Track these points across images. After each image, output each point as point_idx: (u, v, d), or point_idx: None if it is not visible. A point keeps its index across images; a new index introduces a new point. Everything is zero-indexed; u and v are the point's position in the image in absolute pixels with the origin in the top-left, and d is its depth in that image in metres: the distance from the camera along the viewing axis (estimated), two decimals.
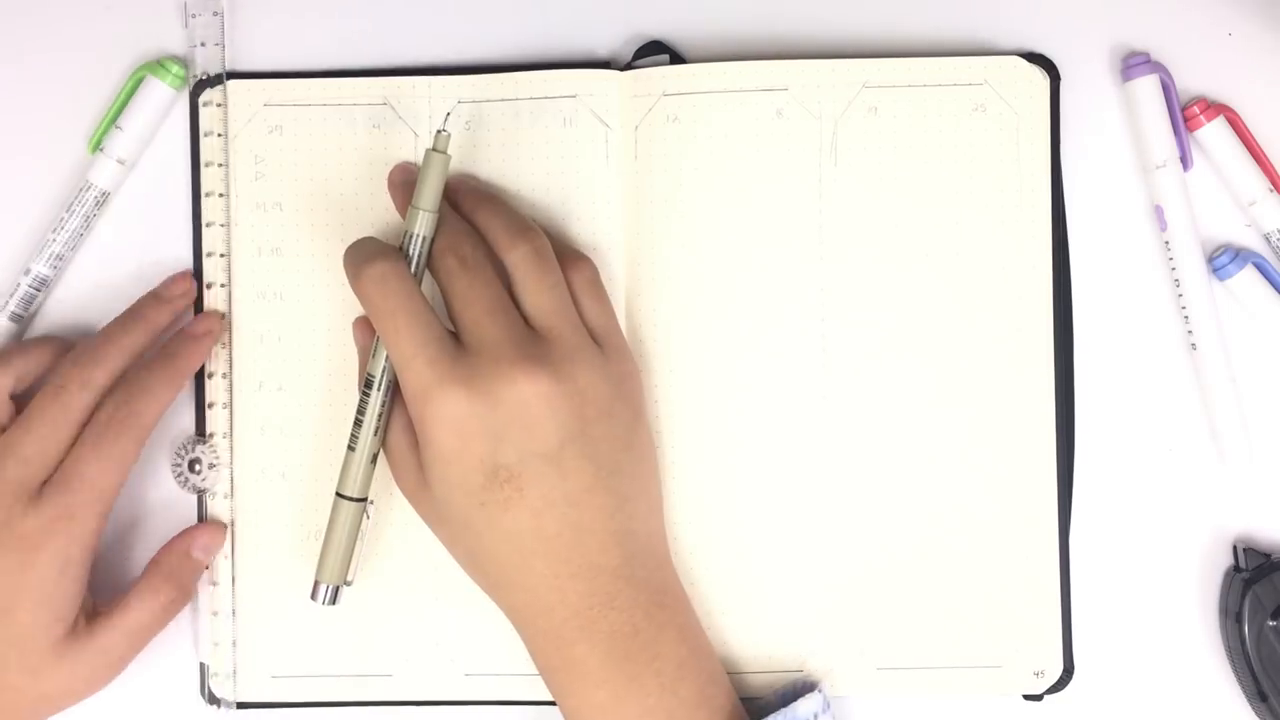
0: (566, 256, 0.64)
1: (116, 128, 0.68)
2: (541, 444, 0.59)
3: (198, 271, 0.68)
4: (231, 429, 0.68)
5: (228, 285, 0.68)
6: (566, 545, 0.60)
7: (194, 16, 0.68)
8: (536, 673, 0.64)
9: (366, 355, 0.64)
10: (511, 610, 0.62)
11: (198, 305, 0.68)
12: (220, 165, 0.68)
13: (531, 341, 0.60)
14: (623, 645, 0.61)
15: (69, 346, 0.66)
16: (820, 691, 0.64)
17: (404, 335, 0.60)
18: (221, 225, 0.68)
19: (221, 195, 0.68)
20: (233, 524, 0.68)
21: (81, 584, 0.62)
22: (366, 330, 0.65)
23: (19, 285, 0.68)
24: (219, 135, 0.68)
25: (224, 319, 0.68)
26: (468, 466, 0.59)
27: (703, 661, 0.63)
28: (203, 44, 0.68)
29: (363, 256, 0.61)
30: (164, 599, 0.65)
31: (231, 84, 0.68)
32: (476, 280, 0.61)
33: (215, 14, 0.68)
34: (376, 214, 0.68)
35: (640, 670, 0.61)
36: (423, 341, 0.59)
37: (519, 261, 0.62)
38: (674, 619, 0.63)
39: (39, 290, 0.68)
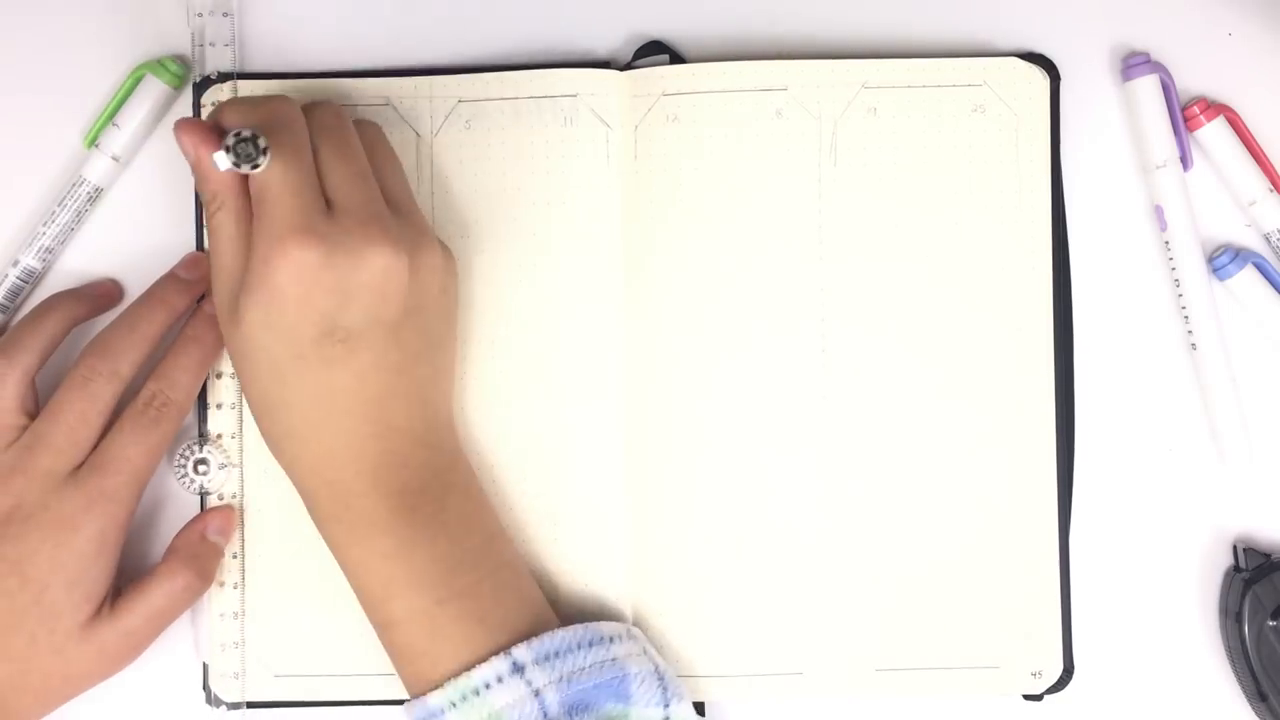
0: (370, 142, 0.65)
1: (113, 125, 0.68)
2: (388, 312, 0.60)
3: None
4: (241, 429, 0.68)
5: None
6: (378, 408, 0.61)
7: (198, 16, 0.68)
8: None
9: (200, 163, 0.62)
10: (294, 460, 0.62)
11: (200, 301, 0.68)
12: None
13: (391, 216, 0.61)
14: (411, 499, 0.62)
15: (77, 305, 0.66)
16: (628, 630, 0.65)
17: (279, 174, 0.59)
18: None
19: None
20: (241, 524, 0.68)
21: (113, 565, 0.63)
22: (198, 134, 0.61)
23: (6, 276, 0.68)
24: None
25: None
26: (301, 317, 0.59)
27: (488, 519, 0.65)
28: (211, 44, 0.68)
29: (266, 100, 0.62)
30: (182, 582, 0.65)
31: (234, 84, 0.68)
32: (348, 146, 0.62)
33: (226, 14, 0.68)
34: None
35: (428, 520, 0.62)
36: (296, 187, 0.59)
37: (369, 143, 0.64)
38: (462, 481, 0.64)
39: (26, 282, 0.68)
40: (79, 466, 0.62)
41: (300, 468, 0.62)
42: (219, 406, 0.68)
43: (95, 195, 0.68)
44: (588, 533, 0.67)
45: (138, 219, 0.69)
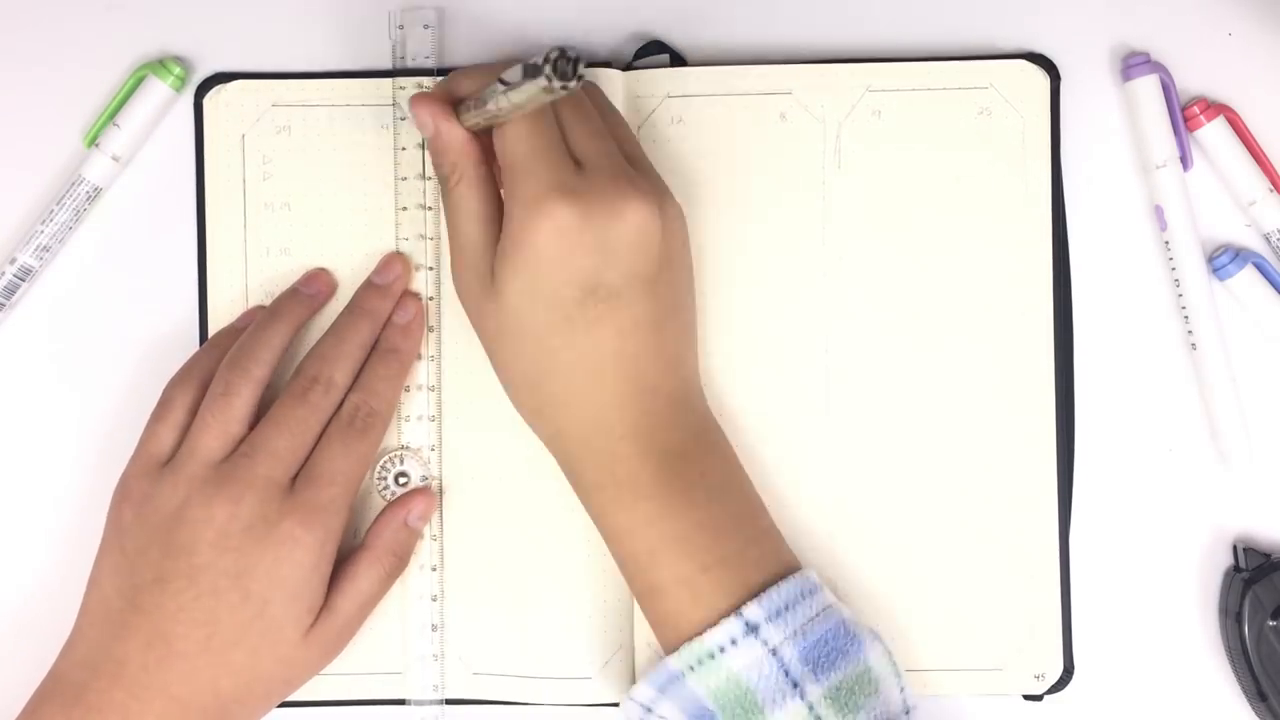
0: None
1: (114, 125, 0.68)
2: (645, 267, 0.60)
3: (201, 270, 0.68)
4: (440, 441, 0.68)
5: (436, 269, 0.68)
6: (639, 366, 0.61)
7: (399, 28, 0.68)
8: (542, 675, 0.64)
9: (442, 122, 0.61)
10: (561, 430, 0.62)
11: (201, 302, 0.68)
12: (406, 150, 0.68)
13: (633, 171, 0.61)
14: (673, 463, 0.61)
15: (300, 308, 0.67)
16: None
17: (527, 137, 0.58)
18: (430, 208, 0.68)
19: (429, 178, 0.68)
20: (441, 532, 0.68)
21: (328, 577, 0.63)
22: (435, 105, 0.61)
23: (3, 274, 0.68)
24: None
25: (424, 301, 0.68)
26: (565, 279, 0.59)
27: (745, 482, 0.64)
28: (414, 58, 0.68)
29: (494, 66, 0.61)
30: (386, 567, 0.65)
31: (239, 84, 0.68)
32: (583, 105, 0.62)
33: (426, 27, 0.68)
34: (385, 214, 0.68)
35: (689, 485, 0.61)
36: (545, 147, 0.59)
37: (596, 103, 0.63)
38: (717, 443, 0.64)
39: (23, 280, 0.68)
40: (293, 479, 0.63)
41: (566, 437, 0.62)
42: (418, 419, 0.68)
43: (94, 195, 0.68)
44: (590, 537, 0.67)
45: (137, 219, 0.69)
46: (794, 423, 0.67)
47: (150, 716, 0.60)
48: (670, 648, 0.61)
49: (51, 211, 0.68)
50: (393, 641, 0.68)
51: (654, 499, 0.61)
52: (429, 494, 0.67)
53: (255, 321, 0.66)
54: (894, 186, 0.67)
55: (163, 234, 0.69)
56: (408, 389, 0.68)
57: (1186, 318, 0.68)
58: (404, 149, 0.68)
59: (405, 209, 0.68)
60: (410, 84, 0.67)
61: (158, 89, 0.68)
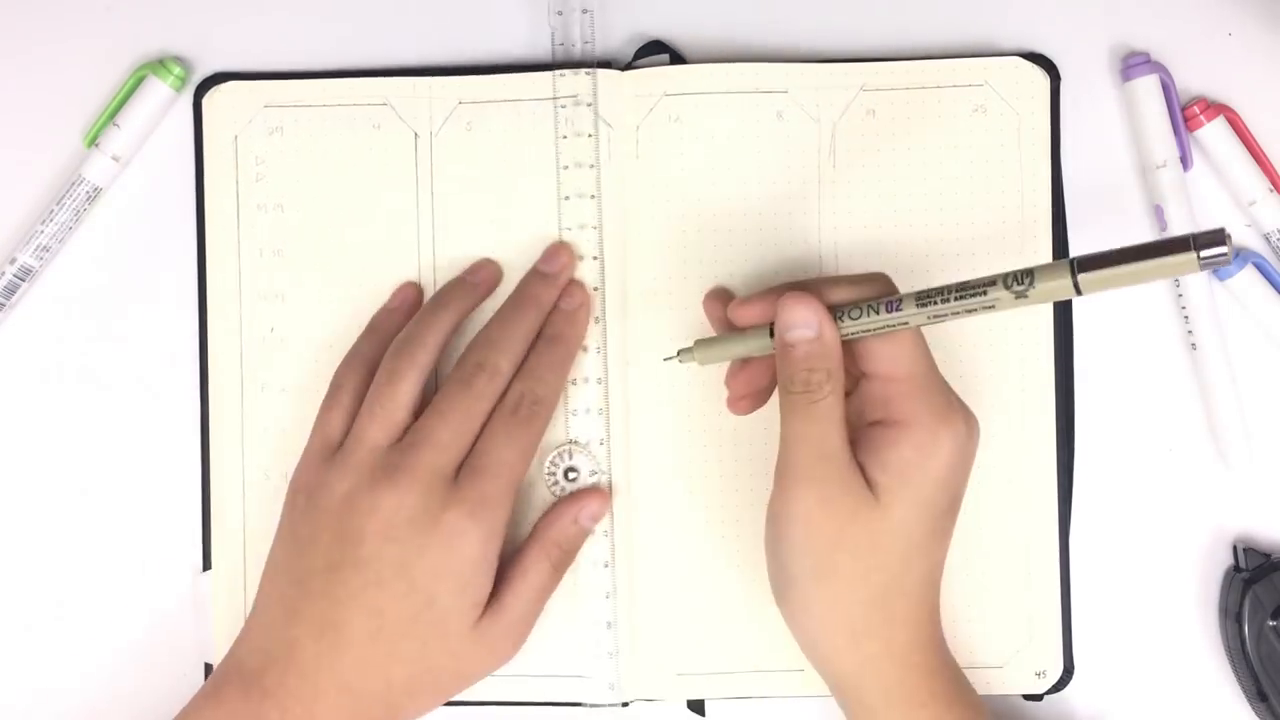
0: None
1: (114, 125, 0.68)
2: (963, 490, 0.61)
3: (200, 271, 0.68)
4: (608, 434, 0.68)
5: (600, 258, 0.68)
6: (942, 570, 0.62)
7: (558, 14, 0.68)
8: (541, 673, 0.65)
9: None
10: (889, 657, 0.61)
11: (200, 302, 0.68)
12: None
13: None
14: (951, 661, 0.63)
15: (467, 297, 0.67)
16: None
17: (926, 349, 0.60)
18: (592, 197, 0.67)
19: (592, 167, 0.67)
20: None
21: (494, 568, 0.63)
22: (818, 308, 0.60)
23: (3, 274, 0.68)
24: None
25: (590, 291, 0.67)
26: (946, 492, 0.59)
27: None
28: (571, 43, 0.68)
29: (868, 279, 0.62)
30: (554, 561, 0.65)
31: (231, 85, 0.68)
32: None
33: (585, 11, 0.68)
34: (377, 215, 0.68)
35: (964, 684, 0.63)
36: (932, 358, 0.60)
37: None
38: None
39: (23, 279, 0.68)
40: (458, 468, 0.62)
41: (886, 662, 0.61)
42: (585, 412, 0.68)
43: (94, 195, 0.68)
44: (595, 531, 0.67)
45: (136, 219, 0.69)
46: None
47: (324, 703, 0.60)
48: None
49: (51, 211, 0.68)
50: (565, 642, 0.68)
51: (958, 702, 0.61)
52: (603, 495, 0.67)
53: (424, 307, 0.66)
54: (889, 185, 0.67)
55: (162, 234, 0.69)
56: (574, 382, 0.67)
57: (1186, 318, 0.68)
58: (565, 137, 0.67)
59: (568, 198, 0.67)
60: (570, 74, 0.67)
61: (158, 89, 0.68)
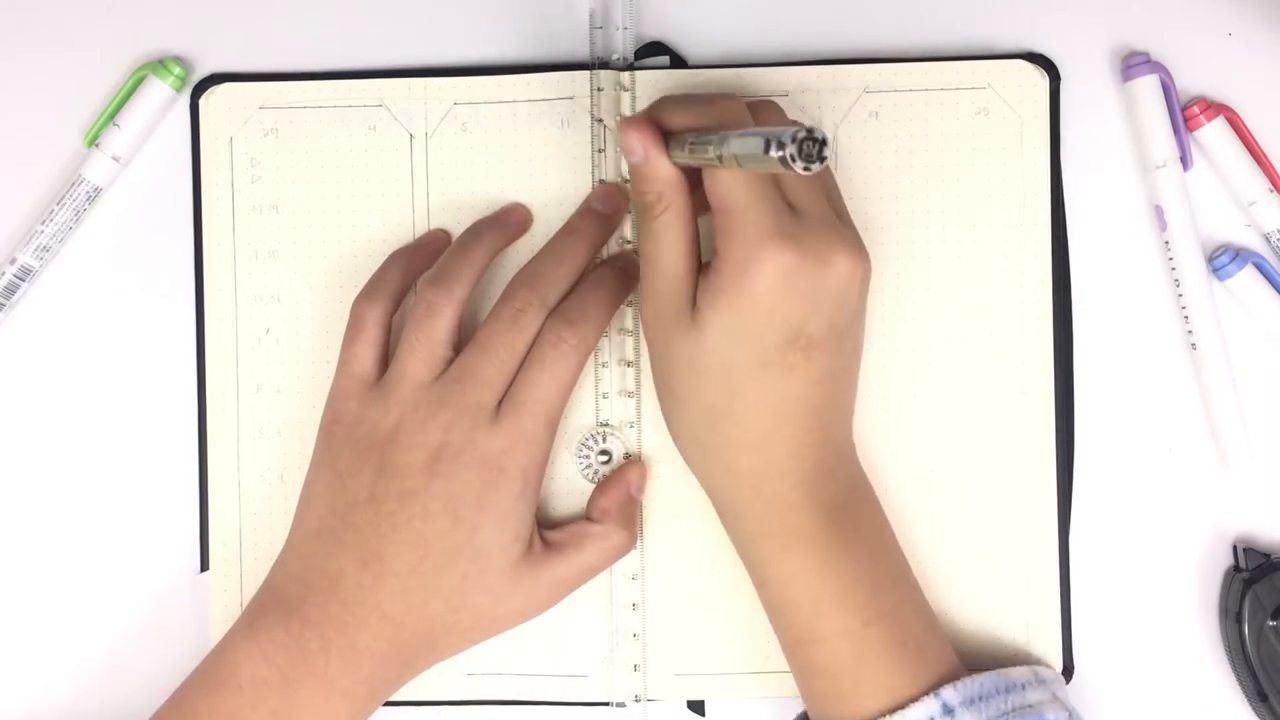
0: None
1: (114, 125, 0.68)
2: (843, 319, 0.59)
3: (198, 272, 0.68)
4: (639, 417, 0.68)
5: (634, 243, 0.67)
6: (818, 416, 0.60)
7: (599, 29, 0.68)
8: (539, 673, 0.65)
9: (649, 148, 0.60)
10: (732, 474, 0.61)
11: (199, 304, 0.68)
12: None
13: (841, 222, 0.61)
14: (837, 514, 0.61)
15: (500, 233, 0.67)
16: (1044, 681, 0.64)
17: (747, 181, 0.58)
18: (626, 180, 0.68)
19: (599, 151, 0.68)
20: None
21: (535, 505, 0.63)
22: (647, 133, 0.60)
23: (3, 273, 0.68)
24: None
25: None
26: (772, 323, 0.58)
27: (893, 539, 0.64)
28: (603, 26, 0.68)
29: (713, 99, 0.61)
30: (616, 541, 0.65)
31: (227, 86, 0.68)
32: None
33: (625, 28, 0.68)
34: (373, 216, 0.68)
35: (852, 536, 0.61)
36: (765, 193, 0.58)
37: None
38: (871, 499, 0.64)
39: (23, 280, 0.68)
40: (499, 404, 0.62)
41: (735, 480, 0.61)
42: (618, 394, 0.68)
43: (94, 195, 0.68)
44: None
45: (136, 219, 0.69)
46: None
47: (365, 632, 0.61)
48: (826, 705, 0.61)
49: (51, 211, 0.68)
50: (581, 643, 0.69)
51: (820, 550, 0.60)
52: (642, 464, 0.68)
53: (456, 241, 0.66)
54: (891, 187, 0.67)
55: (162, 234, 0.69)
56: (605, 365, 0.68)
57: (1186, 318, 0.68)
58: (600, 120, 0.67)
59: (603, 180, 0.68)
60: (604, 78, 0.67)
61: (158, 89, 0.68)
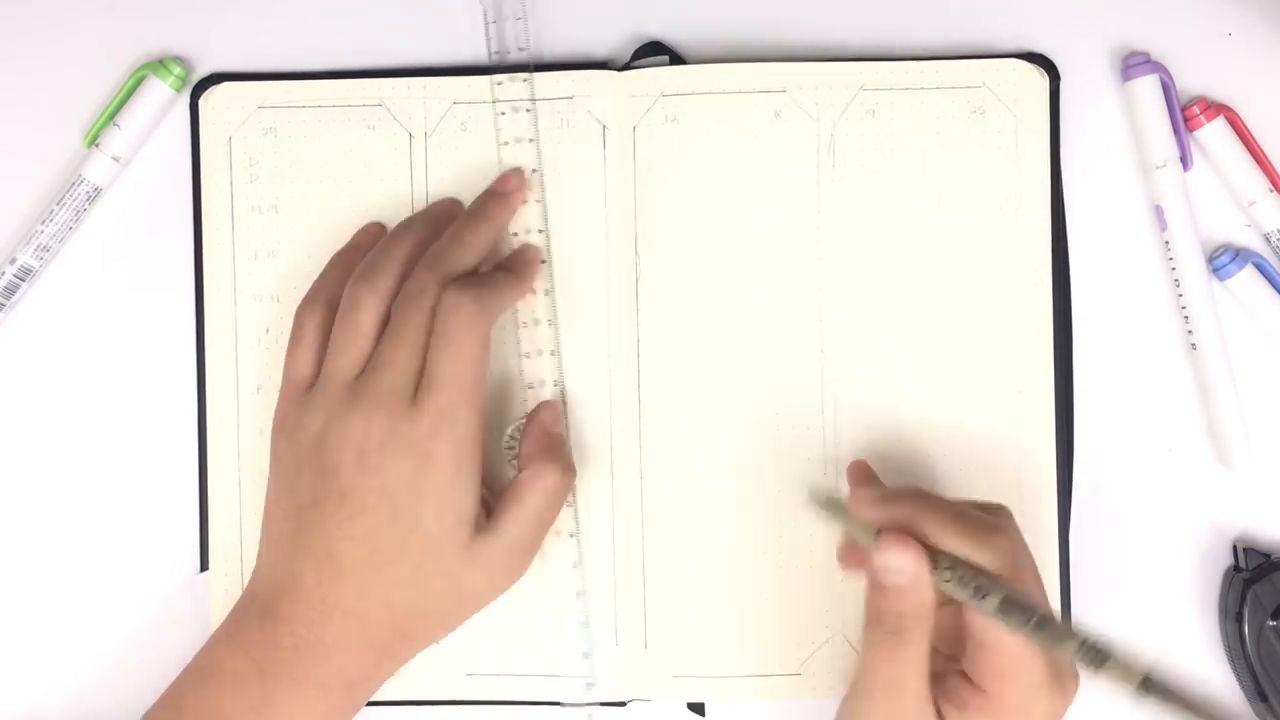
0: None
1: (114, 125, 0.68)
2: None
3: (199, 271, 0.68)
4: (565, 404, 0.68)
5: (548, 262, 0.68)
6: None
7: (493, 23, 0.68)
8: (537, 673, 0.65)
9: None
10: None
11: (199, 304, 0.68)
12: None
13: None
14: None
15: (426, 228, 0.66)
16: None
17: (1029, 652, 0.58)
18: (538, 201, 0.68)
19: (535, 171, 0.68)
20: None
21: (476, 483, 0.62)
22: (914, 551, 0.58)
23: (3, 274, 0.68)
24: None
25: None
26: None
27: None
28: (499, 19, 0.68)
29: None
30: (552, 479, 0.64)
31: (225, 86, 0.68)
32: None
33: (519, 19, 0.68)
34: (371, 216, 0.68)
35: None
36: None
37: None
38: None
39: (23, 280, 0.68)
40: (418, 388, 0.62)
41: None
42: (538, 354, 0.68)
43: (94, 195, 0.68)
44: (596, 534, 0.68)
45: (136, 219, 0.69)
46: (788, 422, 0.67)
47: (331, 628, 0.61)
48: None
49: (51, 211, 0.68)
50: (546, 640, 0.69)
51: None
52: (552, 402, 0.67)
53: (384, 238, 0.66)
54: (888, 185, 0.67)
55: (162, 234, 0.69)
56: (526, 324, 0.67)
57: (1186, 318, 0.68)
58: (506, 144, 0.68)
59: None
60: (506, 79, 0.67)
61: (158, 89, 0.68)
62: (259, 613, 0.62)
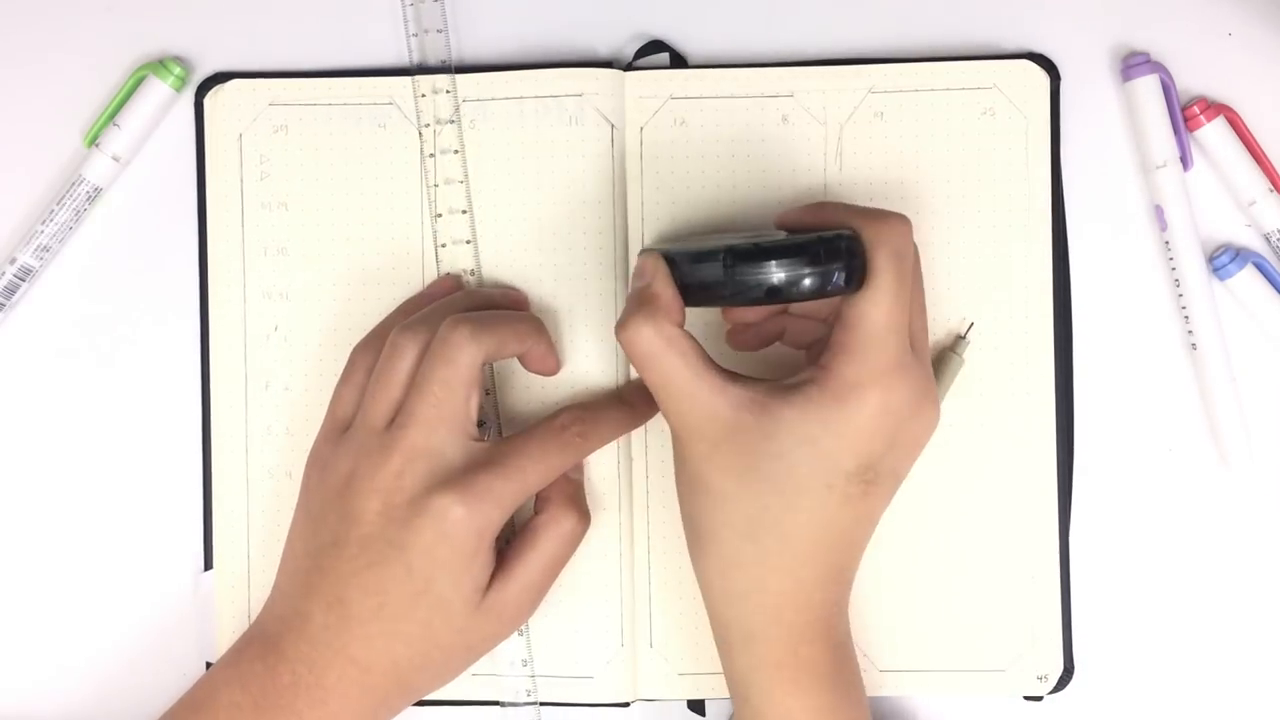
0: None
1: (114, 125, 0.68)
2: (906, 466, 0.60)
3: (202, 271, 0.68)
4: (493, 383, 0.68)
5: (477, 273, 0.68)
6: (851, 551, 0.60)
7: (410, 5, 0.68)
8: (537, 673, 0.64)
9: None
10: (758, 593, 0.59)
11: (203, 302, 0.68)
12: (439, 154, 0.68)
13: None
14: (840, 652, 0.61)
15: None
16: None
17: (895, 309, 0.57)
18: (464, 211, 0.68)
19: (462, 182, 0.68)
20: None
21: (492, 558, 0.61)
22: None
23: (3, 274, 0.68)
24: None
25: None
26: (852, 450, 0.57)
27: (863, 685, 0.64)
28: (425, 31, 0.68)
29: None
30: (566, 525, 0.63)
31: (236, 83, 0.68)
32: (920, 291, 0.62)
33: (440, 30, 0.68)
34: (381, 213, 0.68)
35: (850, 679, 0.61)
36: (900, 324, 0.58)
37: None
38: (852, 642, 0.63)
39: (23, 280, 0.68)
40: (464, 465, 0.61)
41: (760, 600, 0.60)
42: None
43: (94, 195, 0.68)
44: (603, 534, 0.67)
45: (137, 219, 0.69)
46: None
47: (332, 672, 0.60)
48: None
49: (51, 211, 0.68)
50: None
51: (826, 690, 0.60)
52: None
53: (447, 297, 0.66)
54: (895, 188, 0.67)
55: (163, 234, 0.69)
56: (440, 216, 0.67)
57: (1186, 318, 0.68)
58: (432, 155, 0.68)
59: (440, 216, 0.68)
60: (426, 83, 0.68)
61: (158, 89, 0.68)
62: (263, 647, 0.61)
